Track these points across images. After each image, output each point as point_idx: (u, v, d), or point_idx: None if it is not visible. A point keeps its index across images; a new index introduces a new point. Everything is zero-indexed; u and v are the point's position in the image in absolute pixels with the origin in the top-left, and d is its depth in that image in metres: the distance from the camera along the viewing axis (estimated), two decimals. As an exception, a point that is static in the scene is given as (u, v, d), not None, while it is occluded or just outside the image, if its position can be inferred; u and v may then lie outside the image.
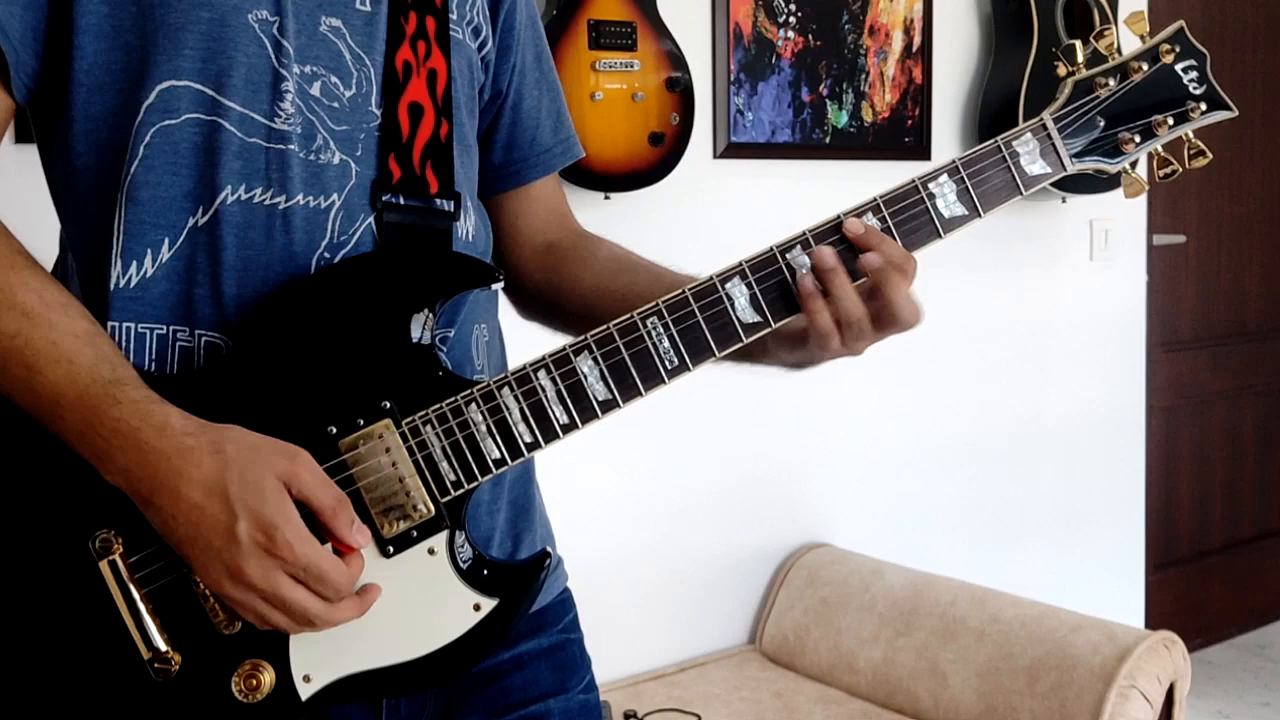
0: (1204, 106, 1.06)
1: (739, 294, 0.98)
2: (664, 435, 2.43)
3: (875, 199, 1.01)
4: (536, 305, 1.20)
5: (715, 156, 2.49)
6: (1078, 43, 1.08)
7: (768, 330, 0.99)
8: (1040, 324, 3.07)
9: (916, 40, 2.78)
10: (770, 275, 0.99)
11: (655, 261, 1.15)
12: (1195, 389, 3.64)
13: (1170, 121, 1.06)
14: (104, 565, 0.88)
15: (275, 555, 0.84)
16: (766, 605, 2.60)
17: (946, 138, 2.87)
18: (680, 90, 2.28)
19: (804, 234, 1.00)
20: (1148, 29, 1.07)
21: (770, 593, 2.61)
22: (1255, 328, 3.82)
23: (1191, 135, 1.08)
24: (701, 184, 2.43)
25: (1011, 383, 3.03)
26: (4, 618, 0.90)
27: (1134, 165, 1.08)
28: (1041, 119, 1.05)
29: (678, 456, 2.49)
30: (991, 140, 1.04)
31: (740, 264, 0.99)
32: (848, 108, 2.68)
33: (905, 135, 2.78)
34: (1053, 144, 1.05)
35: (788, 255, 0.99)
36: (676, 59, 2.29)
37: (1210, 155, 1.07)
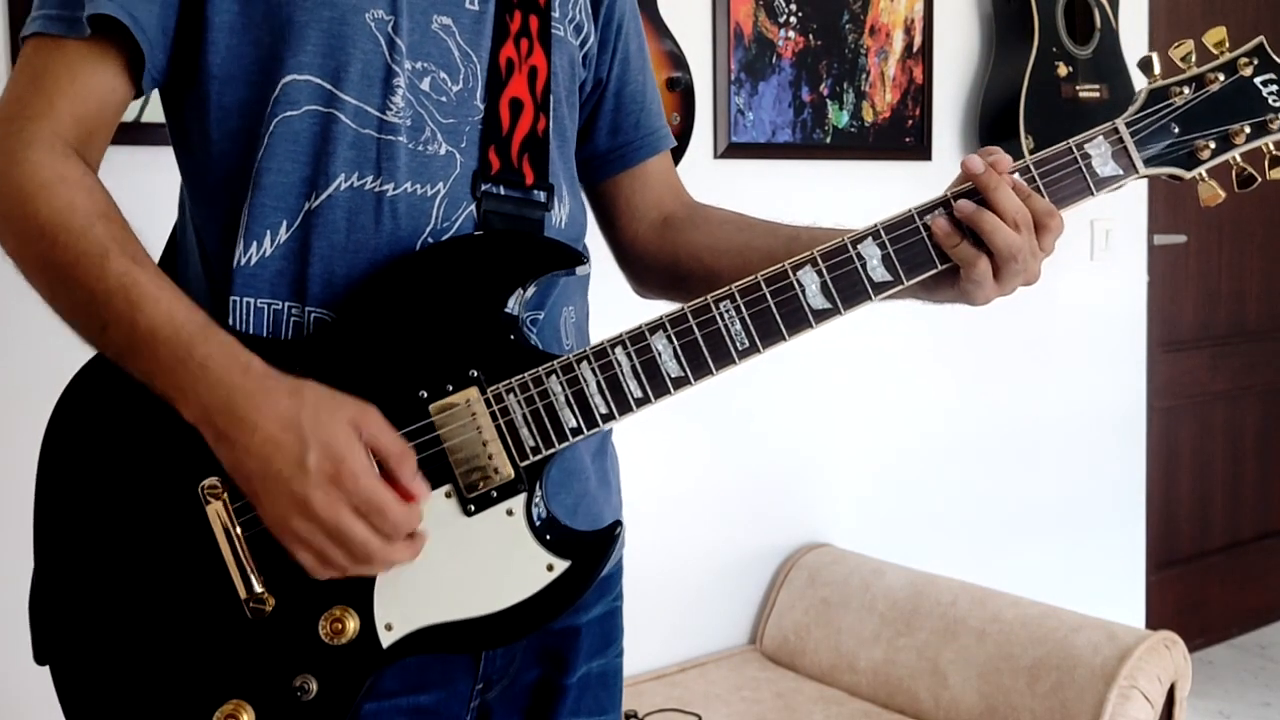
0: None
1: (810, 281, 1.02)
2: (664, 435, 2.43)
3: (946, 194, 1.03)
4: (656, 278, 1.24)
5: (716, 156, 2.49)
6: (1154, 54, 1.08)
7: (837, 316, 1.03)
8: (1041, 324, 3.07)
9: (917, 40, 2.78)
10: (840, 265, 1.02)
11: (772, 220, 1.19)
12: (1195, 389, 3.64)
13: (1248, 130, 1.06)
14: (211, 510, 0.95)
15: (340, 486, 0.88)
16: (767, 605, 2.60)
17: (947, 138, 2.87)
18: (681, 90, 2.29)
19: (876, 227, 1.03)
20: (1227, 44, 1.08)
21: (771, 593, 2.61)
22: (1256, 328, 3.82)
23: (1272, 146, 1.08)
24: (702, 184, 2.41)
25: (1012, 382, 3.03)
26: (118, 556, 0.97)
27: (1210, 173, 1.08)
28: (1114, 123, 1.06)
29: (678, 456, 2.49)
30: (1063, 143, 1.06)
31: (812, 253, 1.02)
32: (848, 107, 2.68)
33: (906, 135, 2.78)
34: (1125, 148, 1.06)
35: (859, 246, 1.03)
36: (677, 59, 2.29)
37: None
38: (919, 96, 2.79)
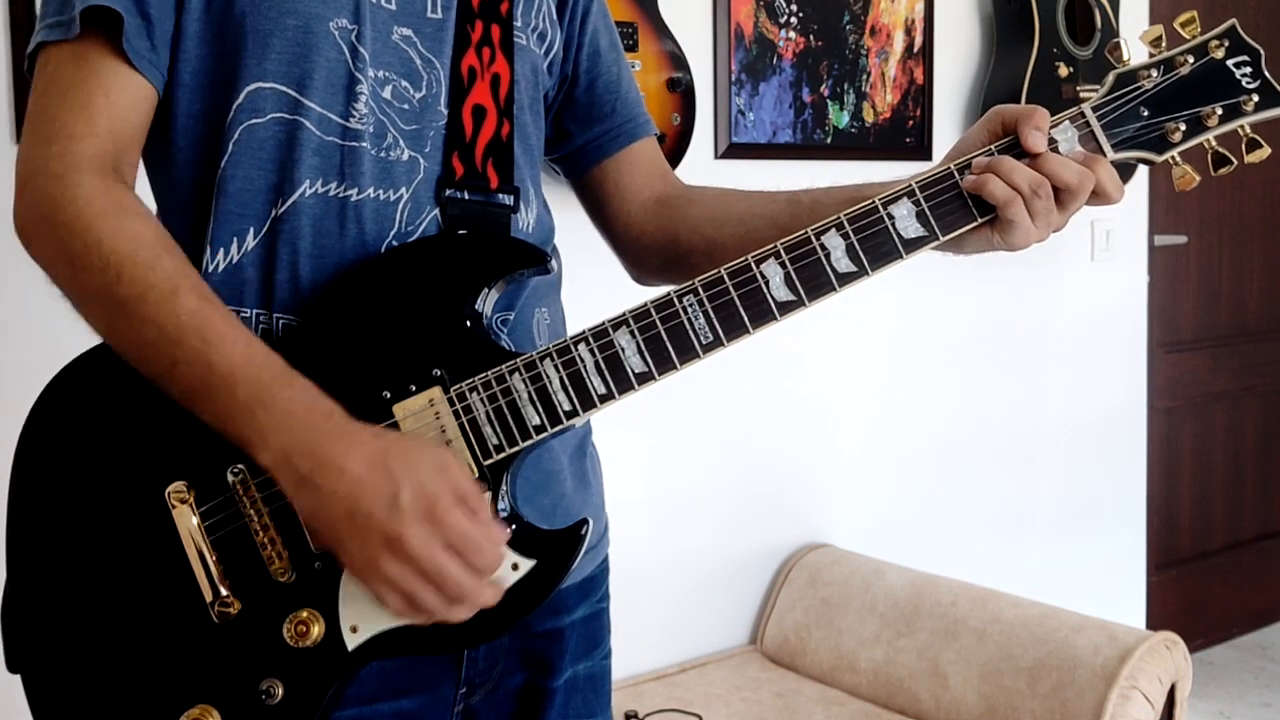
0: (1257, 99, 1.04)
1: (773, 274, 1.01)
2: (664, 435, 2.43)
3: (910, 184, 1.03)
4: (654, 259, 1.23)
5: (716, 157, 2.48)
6: (1123, 39, 1.06)
7: (801, 309, 1.02)
8: (1041, 324, 3.07)
9: (918, 40, 2.78)
10: (803, 256, 1.01)
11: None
12: (1196, 389, 3.64)
13: (1220, 112, 1.04)
14: (177, 514, 0.96)
15: (436, 523, 0.88)
16: (767, 605, 2.60)
17: (948, 138, 2.86)
18: (681, 91, 2.28)
19: (838, 218, 1.02)
20: (1198, 27, 1.06)
21: (771, 593, 2.61)
22: (1256, 328, 3.82)
23: (1249, 129, 1.05)
24: (703, 184, 2.43)
25: (1012, 383, 3.03)
26: (85, 559, 0.97)
27: (1184, 158, 1.06)
28: (1080, 109, 1.04)
29: (678, 457, 2.49)
30: None
31: (775, 246, 1.02)
32: (849, 108, 2.68)
33: (906, 135, 2.78)
34: (1092, 132, 1.03)
35: (822, 238, 1.01)
36: (677, 59, 2.29)
37: (1269, 149, 1.04)
38: (920, 97, 2.79)
